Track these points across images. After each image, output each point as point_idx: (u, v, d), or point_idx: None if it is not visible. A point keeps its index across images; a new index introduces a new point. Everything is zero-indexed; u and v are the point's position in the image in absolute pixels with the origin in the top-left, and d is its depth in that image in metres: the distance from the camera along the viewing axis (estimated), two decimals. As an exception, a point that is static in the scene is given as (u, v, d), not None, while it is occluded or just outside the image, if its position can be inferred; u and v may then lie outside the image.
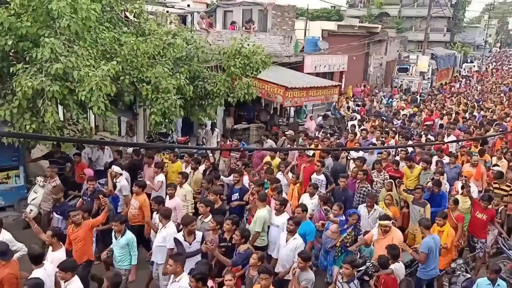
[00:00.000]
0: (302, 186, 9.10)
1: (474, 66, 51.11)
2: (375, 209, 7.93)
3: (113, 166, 8.84)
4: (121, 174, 8.67)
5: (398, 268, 6.15)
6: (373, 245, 7.09)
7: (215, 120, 13.61)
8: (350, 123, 15.74)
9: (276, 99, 15.40)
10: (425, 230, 6.85)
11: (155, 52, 9.30)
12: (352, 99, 23.04)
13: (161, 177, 8.97)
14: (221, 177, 9.61)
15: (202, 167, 9.62)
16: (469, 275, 7.21)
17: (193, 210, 8.37)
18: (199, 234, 6.62)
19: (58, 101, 8.12)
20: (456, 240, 7.64)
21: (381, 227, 6.81)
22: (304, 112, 18.81)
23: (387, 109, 20.36)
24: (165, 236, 6.66)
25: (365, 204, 8.12)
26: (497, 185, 9.40)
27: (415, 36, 43.16)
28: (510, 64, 61.21)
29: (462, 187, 8.69)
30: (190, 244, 6.47)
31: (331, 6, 38.74)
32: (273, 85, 14.95)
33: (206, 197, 8.00)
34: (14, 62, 7.63)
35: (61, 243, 6.08)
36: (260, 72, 11.49)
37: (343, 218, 7.37)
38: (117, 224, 6.54)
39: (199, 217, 7.17)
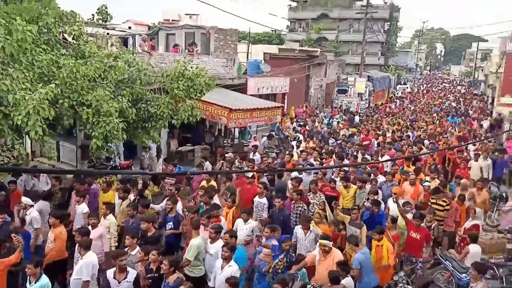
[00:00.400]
0: (238, 209, 8.92)
1: (407, 87, 54.51)
2: (310, 231, 7.85)
3: (22, 197, 8.22)
4: (31, 206, 8.01)
5: (348, 282, 6.34)
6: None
7: (159, 143, 13.46)
8: (293, 143, 16.21)
9: (220, 121, 15.51)
10: (355, 247, 7.14)
11: (96, 75, 9.11)
12: (295, 120, 23.69)
13: (83, 207, 8.44)
14: (151, 204, 8.94)
15: (131, 197, 9.12)
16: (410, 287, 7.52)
17: (116, 244, 7.89)
18: (132, 273, 6.17)
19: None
20: (395, 258, 7.77)
21: (321, 246, 6.85)
22: (249, 133, 19.06)
23: (328, 130, 21.07)
24: (81, 266, 6.23)
25: (301, 226, 8.02)
26: (434, 200, 9.74)
27: (352, 60, 45.52)
28: (439, 86, 65.74)
29: (405, 204, 8.97)
30: (119, 283, 6.05)
31: (272, 30, 39.92)
32: (217, 107, 15.08)
33: (131, 225, 7.71)
34: None
35: None
36: (204, 94, 11.56)
37: (277, 243, 7.19)
38: (31, 266, 5.84)
39: (126, 249, 6.79)
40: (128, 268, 6.20)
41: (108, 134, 8.84)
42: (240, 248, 7.18)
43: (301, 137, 17.99)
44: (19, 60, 7.85)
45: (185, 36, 19.88)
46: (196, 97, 11.38)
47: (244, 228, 7.87)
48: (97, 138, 8.77)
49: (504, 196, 12.24)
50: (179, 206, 8.70)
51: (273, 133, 18.79)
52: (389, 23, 54.58)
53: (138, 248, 6.70)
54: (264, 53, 24.52)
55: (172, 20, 27.16)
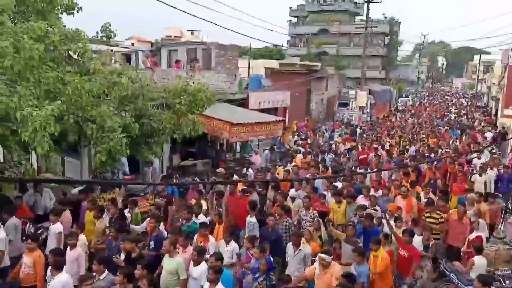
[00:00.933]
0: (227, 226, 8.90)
1: (409, 100, 54.68)
2: (300, 249, 7.66)
3: None
4: None
5: None
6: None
7: (161, 158, 13.61)
8: (299, 156, 16.30)
9: (222, 135, 15.68)
10: (359, 257, 7.18)
11: (100, 91, 9.27)
12: (296, 134, 23.86)
13: (56, 227, 8.15)
14: (131, 226, 8.83)
15: (106, 217, 8.99)
16: None
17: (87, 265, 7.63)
18: None
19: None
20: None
21: (320, 260, 6.78)
22: (250, 147, 19.21)
23: (326, 144, 21.04)
24: (52, 287, 6.12)
25: (292, 243, 7.84)
26: (428, 214, 9.62)
27: (353, 73, 45.88)
28: (441, 99, 65.90)
29: (395, 220, 8.88)
30: None
31: (273, 45, 40.41)
32: (219, 122, 15.25)
33: (114, 246, 7.56)
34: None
35: None
36: (205, 109, 11.73)
37: (257, 265, 7.07)
38: None
39: (94, 274, 6.54)
40: None
41: (112, 149, 8.95)
42: (226, 271, 6.91)
43: (302, 150, 18.13)
44: (27, 78, 8.04)
45: (187, 52, 20.21)
46: (198, 112, 11.53)
47: (225, 250, 7.69)
48: (101, 153, 8.92)
49: (510, 208, 12.18)
50: (162, 226, 8.55)
51: (275, 146, 18.96)
52: (389, 37, 55.08)
53: (106, 272, 6.48)
54: (265, 68, 24.83)
55: (174, 37, 27.62)
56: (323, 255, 6.78)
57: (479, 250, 8.10)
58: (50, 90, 8.67)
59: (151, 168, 14.54)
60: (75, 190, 11.10)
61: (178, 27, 28.57)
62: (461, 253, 9.13)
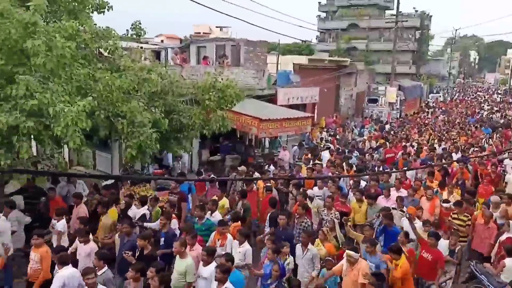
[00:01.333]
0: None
1: (440, 96, 53.27)
2: (308, 249, 7.38)
3: None
4: None
5: None
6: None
7: (190, 153, 13.70)
8: (323, 153, 16.09)
9: (251, 131, 15.67)
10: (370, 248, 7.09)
11: (130, 87, 9.42)
12: (325, 130, 23.60)
13: (61, 224, 8.28)
14: (145, 223, 8.74)
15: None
16: None
17: None
18: None
19: (32, 137, 8.13)
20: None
21: (347, 257, 6.68)
22: (279, 143, 19.14)
23: (353, 142, 20.57)
24: (53, 281, 6.23)
25: (301, 243, 7.58)
26: (455, 215, 9.26)
27: (383, 69, 44.93)
28: (473, 95, 63.88)
29: (425, 223, 8.52)
30: None
31: (302, 41, 40.09)
32: (248, 117, 15.25)
33: (126, 243, 7.51)
34: (-12, 99, 7.65)
35: None
36: (234, 105, 11.75)
37: (268, 271, 6.82)
38: None
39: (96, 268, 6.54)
40: (100, 286, 6.09)
41: (142, 144, 9.08)
42: (237, 272, 6.76)
43: (332, 146, 17.90)
44: (59, 75, 8.20)
45: (215, 48, 20.24)
46: (227, 108, 11.56)
47: (237, 252, 7.44)
48: (131, 148, 9.05)
49: None
50: (174, 223, 8.52)
51: (304, 142, 18.82)
52: (420, 31, 53.74)
53: (106, 268, 6.54)
54: (294, 64, 24.64)
55: (203, 33, 27.80)
56: (350, 252, 6.69)
57: (510, 252, 7.70)
58: (82, 86, 8.84)
59: (180, 162, 14.68)
60: (105, 183, 11.30)
61: (207, 24, 28.72)
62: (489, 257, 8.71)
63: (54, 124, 7.50)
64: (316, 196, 10.59)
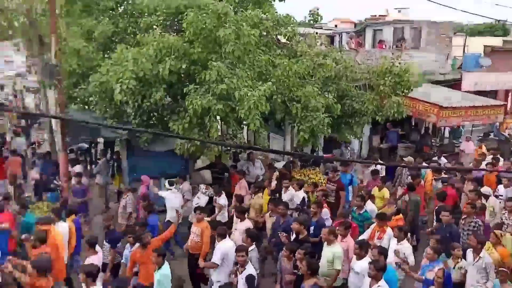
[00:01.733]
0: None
1: None
2: (480, 257, 6.36)
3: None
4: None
5: None
6: None
7: (361, 139, 13.51)
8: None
9: (428, 118, 14.62)
10: None
11: (306, 73, 9.76)
12: (520, 121, 20.47)
13: (222, 198, 9.01)
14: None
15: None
16: None
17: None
18: (248, 269, 6.24)
19: (219, 118, 9.12)
20: None
21: None
22: (461, 133, 17.43)
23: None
24: (215, 251, 6.74)
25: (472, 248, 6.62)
26: None
27: None
28: None
29: None
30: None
31: (496, 21, 35.19)
32: (426, 104, 14.22)
33: (282, 224, 7.61)
34: (187, 84, 8.86)
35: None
36: (411, 90, 11.15)
37: (432, 274, 6.03)
38: (155, 255, 6.21)
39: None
40: (249, 264, 6.30)
41: (314, 128, 9.37)
42: (391, 269, 6.19)
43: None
44: (244, 61, 9.00)
45: (393, 31, 19.32)
46: (403, 93, 11.04)
47: (394, 247, 6.91)
48: (304, 131, 9.41)
49: None
50: (325, 213, 8.34)
51: (492, 134, 16.74)
52: None
53: (253, 246, 6.75)
54: (485, 46, 21.86)
55: (379, 16, 26.75)
56: None
57: None
58: (262, 72, 9.51)
59: (348, 148, 14.59)
60: (279, 164, 11.98)
61: (383, 6, 27.53)
62: None
63: (239, 107, 8.29)
64: (499, 195, 9.41)
